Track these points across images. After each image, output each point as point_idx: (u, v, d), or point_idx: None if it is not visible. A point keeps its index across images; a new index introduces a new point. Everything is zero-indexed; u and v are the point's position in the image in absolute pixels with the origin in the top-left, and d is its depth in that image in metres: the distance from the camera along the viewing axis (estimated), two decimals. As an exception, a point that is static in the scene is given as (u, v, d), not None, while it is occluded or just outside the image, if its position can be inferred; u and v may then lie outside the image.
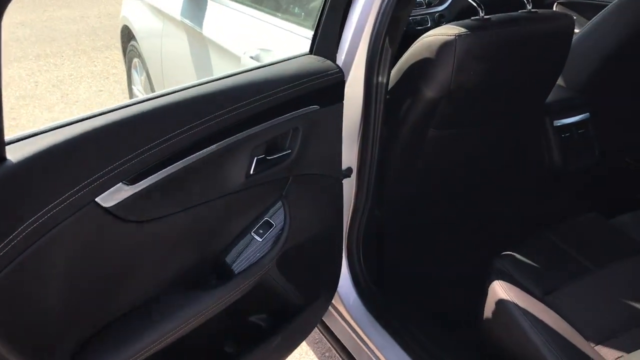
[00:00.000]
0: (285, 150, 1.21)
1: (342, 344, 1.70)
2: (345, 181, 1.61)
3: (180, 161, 1.00)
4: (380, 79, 1.40)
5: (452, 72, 1.49)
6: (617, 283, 1.43)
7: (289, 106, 1.18)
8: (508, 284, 1.39)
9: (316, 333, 1.83)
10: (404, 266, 1.89)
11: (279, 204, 1.23)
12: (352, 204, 1.64)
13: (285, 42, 1.82)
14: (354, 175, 1.62)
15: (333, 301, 1.60)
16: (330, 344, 1.72)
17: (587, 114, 1.99)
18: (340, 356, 1.68)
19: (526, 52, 1.62)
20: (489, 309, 1.40)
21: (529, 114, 1.84)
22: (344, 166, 1.60)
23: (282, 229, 1.21)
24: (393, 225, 1.91)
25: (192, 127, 1.00)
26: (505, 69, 1.62)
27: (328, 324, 1.74)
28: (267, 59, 1.71)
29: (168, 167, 0.98)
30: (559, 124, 1.96)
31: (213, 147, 1.05)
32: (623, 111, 2.22)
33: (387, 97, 1.48)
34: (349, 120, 1.47)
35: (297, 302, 1.39)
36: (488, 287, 1.44)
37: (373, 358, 1.58)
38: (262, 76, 1.15)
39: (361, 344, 1.61)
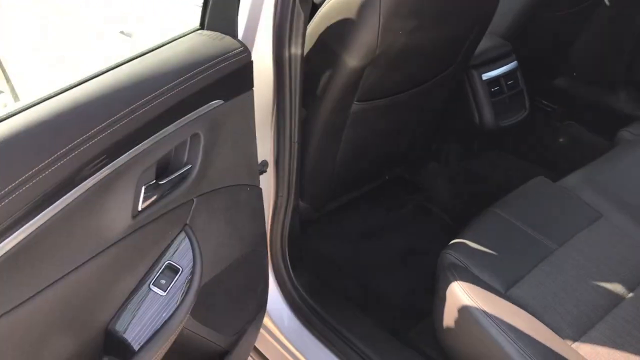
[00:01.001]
0: (183, 167, 0.89)
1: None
2: (263, 177, 1.31)
3: (31, 221, 0.66)
4: (293, 50, 1.10)
5: (378, 34, 1.21)
6: (582, 261, 1.26)
7: (183, 107, 0.85)
8: (468, 285, 1.18)
9: None
10: (338, 259, 1.65)
11: (183, 237, 0.92)
12: (271, 204, 1.35)
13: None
14: (270, 169, 1.32)
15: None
16: None
17: (515, 62, 1.81)
18: None
19: (454, 4, 1.37)
20: (449, 316, 1.19)
21: (458, 71, 1.61)
22: (259, 158, 1.30)
23: (192, 271, 0.91)
24: (314, 215, 1.66)
25: (40, 170, 0.66)
26: (434, 23, 1.36)
27: (259, 348, 1.47)
28: (144, 37, 1.34)
29: (14, 233, 0.64)
30: (487, 78, 1.76)
31: (77, 188, 0.71)
32: (543, 57, 2.08)
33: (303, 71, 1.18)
34: (258, 107, 1.17)
35: (221, 346, 1.10)
36: (441, 285, 1.22)
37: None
38: (139, 72, 0.81)
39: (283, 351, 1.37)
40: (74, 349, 0.78)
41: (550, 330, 1.12)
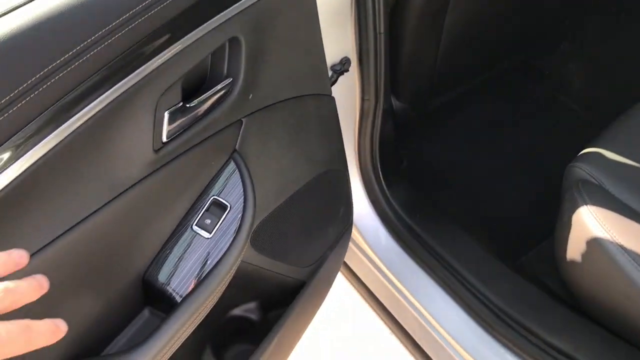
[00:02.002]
0: (222, 80, 0.71)
1: (365, 285, 1.31)
2: (343, 78, 1.11)
3: (36, 146, 0.53)
4: None
5: None
6: None
7: (215, 3, 0.66)
8: (602, 210, 0.92)
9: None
10: (441, 167, 1.43)
11: (231, 167, 0.76)
12: (357, 109, 1.14)
13: None
14: (353, 68, 1.11)
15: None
16: (352, 284, 1.33)
17: None
18: (366, 301, 1.30)
19: None
20: (575, 247, 0.95)
21: None
22: (337, 56, 1.09)
23: (244, 207, 0.75)
24: (414, 118, 1.42)
25: (41, 79, 0.51)
26: None
27: (348, 262, 1.34)
28: None
29: (18, 161, 0.52)
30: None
31: (85, 110, 0.56)
32: None
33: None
34: (329, -8, 0.94)
35: (296, 279, 0.97)
36: (567, 206, 0.98)
37: (403, 301, 1.19)
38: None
39: (388, 284, 1.22)
40: (107, 301, 0.67)
41: None
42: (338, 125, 0.95)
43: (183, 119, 0.67)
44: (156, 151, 0.65)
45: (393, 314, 1.24)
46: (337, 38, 1.04)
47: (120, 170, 0.62)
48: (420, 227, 1.19)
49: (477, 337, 1.08)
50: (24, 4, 0.55)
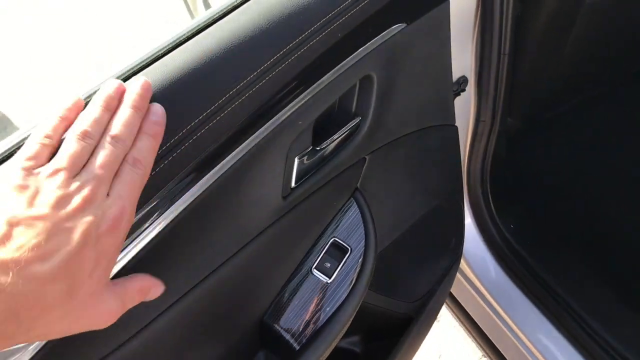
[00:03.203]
0: (351, 119, 0.67)
1: (473, 320, 1.24)
2: (459, 98, 1.04)
3: (182, 197, 0.51)
4: None
5: None
6: None
7: (349, 44, 0.61)
8: None
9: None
10: (555, 184, 1.33)
11: (352, 206, 0.72)
12: (470, 130, 1.08)
13: None
14: (470, 88, 1.04)
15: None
16: (458, 318, 1.27)
17: None
18: (472, 335, 1.24)
19: None
20: None
21: None
22: (454, 76, 1.02)
23: (366, 250, 0.71)
24: (532, 142, 1.33)
25: (191, 130, 0.49)
26: None
27: (453, 293, 1.28)
28: None
29: (165, 212, 0.50)
30: None
31: (225, 161, 0.53)
32: None
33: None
34: (454, 12, 0.88)
35: (403, 313, 0.93)
36: None
37: (514, 339, 1.12)
38: (282, 3, 0.57)
39: (497, 321, 1.15)
40: (227, 346, 0.66)
41: None
42: (459, 154, 0.89)
43: (311, 162, 0.63)
44: (284, 197, 0.62)
45: (500, 350, 1.17)
46: (456, 56, 0.97)
47: (249, 219, 0.59)
48: (532, 256, 1.11)
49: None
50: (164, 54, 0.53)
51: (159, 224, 0.49)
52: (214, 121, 0.51)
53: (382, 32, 0.63)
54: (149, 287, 0.47)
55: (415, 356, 1.49)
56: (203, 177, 0.52)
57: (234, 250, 0.59)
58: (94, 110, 0.44)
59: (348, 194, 0.72)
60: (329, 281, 0.69)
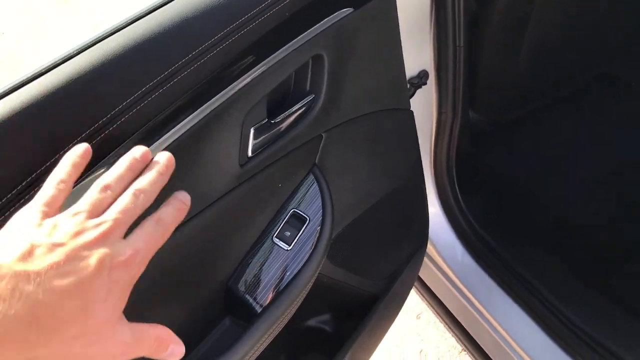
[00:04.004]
0: (305, 97, 0.73)
1: (441, 302, 1.29)
2: (421, 91, 1.10)
3: None
4: None
5: None
6: None
7: (298, 23, 0.68)
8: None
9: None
10: (520, 181, 1.39)
11: (311, 181, 0.77)
12: (434, 122, 1.14)
13: None
14: (431, 81, 1.10)
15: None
16: (438, 314, 1.31)
17: None
18: (452, 331, 1.28)
19: None
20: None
21: None
22: (414, 69, 1.09)
23: (322, 221, 0.76)
24: (491, 130, 1.39)
25: (136, 100, 0.55)
26: None
27: (422, 277, 1.33)
28: None
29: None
30: None
31: (177, 127, 0.59)
32: None
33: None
34: (410, 5, 0.95)
35: (370, 292, 0.98)
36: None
37: (480, 319, 1.16)
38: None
39: (464, 301, 1.19)
40: (192, 309, 0.70)
41: None
42: (416, 139, 0.95)
43: (267, 135, 0.69)
44: (242, 165, 0.67)
45: (469, 331, 1.22)
46: (415, 51, 1.04)
47: (209, 183, 0.65)
48: (498, 243, 1.17)
49: (558, 358, 1.04)
50: (122, 28, 0.59)
51: None
52: (167, 86, 0.56)
53: (330, 15, 0.69)
54: (168, 341, 0.48)
55: (398, 352, 1.53)
56: (156, 140, 0.57)
57: (194, 211, 0.64)
58: (118, 169, 0.47)
59: (306, 168, 0.77)
60: (288, 248, 0.74)
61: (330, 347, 0.95)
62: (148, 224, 0.46)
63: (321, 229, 0.76)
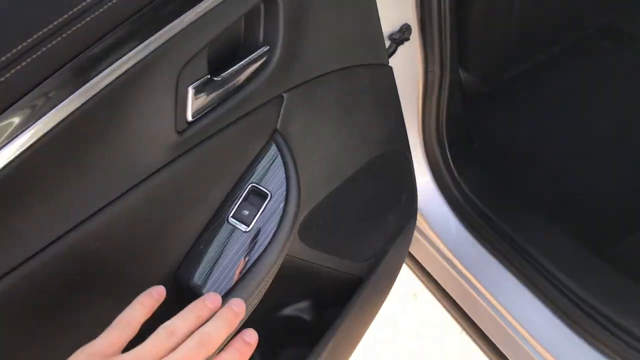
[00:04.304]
0: (257, 49, 0.61)
1: (436, 281, 1.19)
2: (403, 48, 0.99)
3: (37, 122, 0.45)
4: None
5: None
6: None
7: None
8: None
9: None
10: (517, 145, 1.28)
11: (272, 150, 0.66)
12: (420, 82, 1.02)
13: None
14: (414, 36, 0.99)
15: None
16: (419, 278, 1.21)
17: None
18: (450, 312, 1.18)
19: None
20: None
21: None
22: (396, 24, 0.97)
23: (288, 194, 0.65)
24: (485, 91, 1.28)
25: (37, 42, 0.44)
26: None
27: (412, 253, 1.22)
28: None
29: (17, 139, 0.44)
30: None
31: (91, 83, 0.48)
32: None
33: None
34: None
35: (352, 275, 0.87)
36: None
37: (477, 297, 1.06)
38: None
39: (459, 278, 1.09)
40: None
41: None
42: (397, 99, 0.84)
43: (212, 95, 0.58)
44: (180, 132, 0.56)
45: (465, 311, 1.11)
46: (396, 2, 0.92)
47: (138, 154, 0.53)
48: (496, 214, 1.06)
49: (564, 337, 0.94)
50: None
51: (10, 149, 0.44)
52: (69, 32, 0.45)
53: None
54: None
55: (394, 336, 1.44)
56: (64, 97, 0.46)
57: (122, 189, 0.53)
58: (186, 314, 0.48)
59: (266, 136, 0.66)
60: (247, 230, 0.63)
61: (310, 338, 0.85)
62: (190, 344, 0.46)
63: (285, 206, 0.65)
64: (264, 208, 0.64)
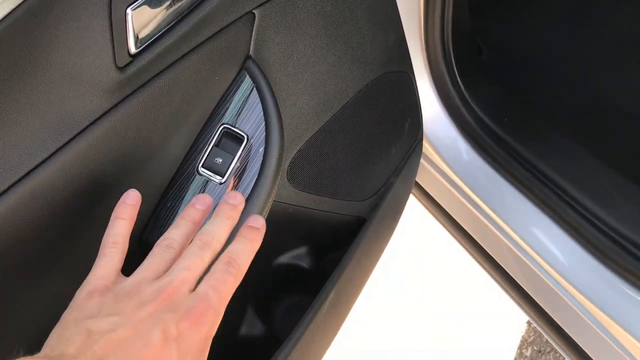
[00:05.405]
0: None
1: (444, 210, 1.09)
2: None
3: None
4: None
5: None
6: None
7: None
8: None
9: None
10: (532, 55, 1.14)
11: (245, 81, 0.54)
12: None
13: None
14: None
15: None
16: (428, 210, 1.12)
17: None
18: (446, 228, 1.09)
19: None
20: None
21: None
22: None
23: (268, 134, 0.54)
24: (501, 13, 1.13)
25: None
26: None
27: (419, 182, 1.12)
28: None
29: None
30: None
31: None
32: None
33: None
34: None
35: (353, 216, 0.77)
36: None
37: (493, 228, 0.97)
38: None
39: (472, 208, 1.00)
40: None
41: None
42: (395, 10, 0.71)
43: (159, 17, 0.45)
44: (122, 69, 0.44)
45: (481, 244, 1.02)
46: None
47: (71, 100, 0.42)
48: (511, 135, 0.94)
49: (591, 269, 0.85)
50: None
51: None
52: None
53: None
54: None
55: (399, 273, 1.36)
56: None
57: (54, 146, 0.42)
58: (180, 222, 0.45)
59: (236, 65, 0.54)
60: (222, 181, 0.53)
61: (311, 285, 0.76)
62: (218, 269, 0.42)
63: (266, 149, 0.54)
64: (240, 154, 0.53)
